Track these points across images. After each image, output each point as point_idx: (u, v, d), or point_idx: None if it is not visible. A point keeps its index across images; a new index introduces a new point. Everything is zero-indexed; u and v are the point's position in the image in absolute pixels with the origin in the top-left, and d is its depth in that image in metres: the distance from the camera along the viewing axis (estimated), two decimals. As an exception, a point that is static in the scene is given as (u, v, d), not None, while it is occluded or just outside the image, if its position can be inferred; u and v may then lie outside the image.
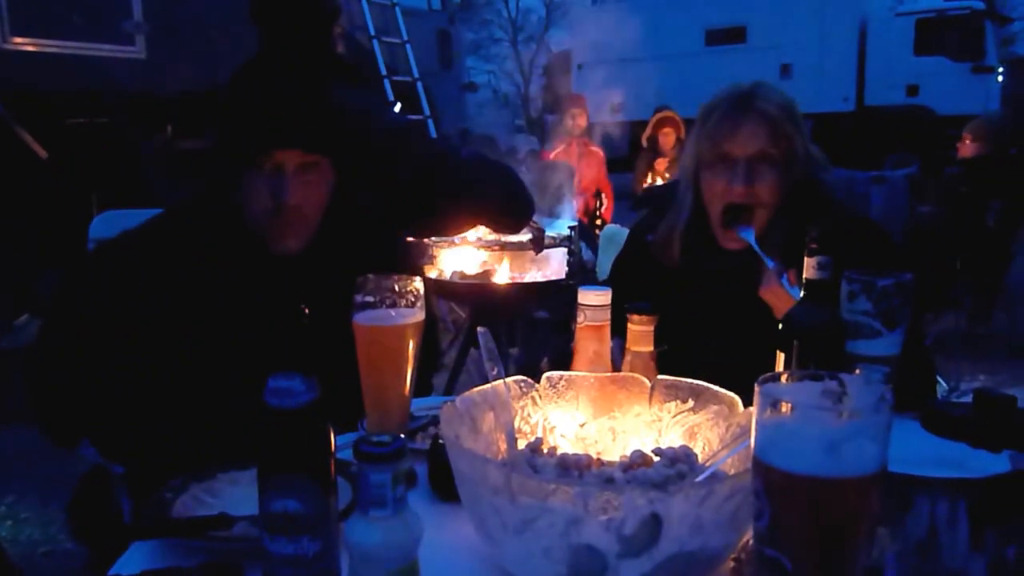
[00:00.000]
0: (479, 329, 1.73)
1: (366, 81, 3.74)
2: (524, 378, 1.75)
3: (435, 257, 5.32)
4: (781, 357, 1.81)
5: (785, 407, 1.06)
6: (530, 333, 5.86)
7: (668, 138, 9.82)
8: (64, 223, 4.74)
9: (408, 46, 11.37)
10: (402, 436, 1.21)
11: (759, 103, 2.42)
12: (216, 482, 1.81)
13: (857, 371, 1.62)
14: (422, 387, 2.55)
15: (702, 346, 2.32)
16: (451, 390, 5.32)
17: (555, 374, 1.78)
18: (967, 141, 7.66)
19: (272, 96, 2.26)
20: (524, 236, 5.14)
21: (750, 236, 2.38)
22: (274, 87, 2.28)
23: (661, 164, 9.74)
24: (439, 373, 5.81)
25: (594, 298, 1.90)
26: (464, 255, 5.32)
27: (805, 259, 1.78)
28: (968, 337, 7.77)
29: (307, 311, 1.27)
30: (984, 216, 7.34)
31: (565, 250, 5.35)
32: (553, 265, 5.39)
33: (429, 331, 2.23)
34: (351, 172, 2.45)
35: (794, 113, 2.47)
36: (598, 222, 8.71)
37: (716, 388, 1.66)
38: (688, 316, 2.47)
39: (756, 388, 1.08)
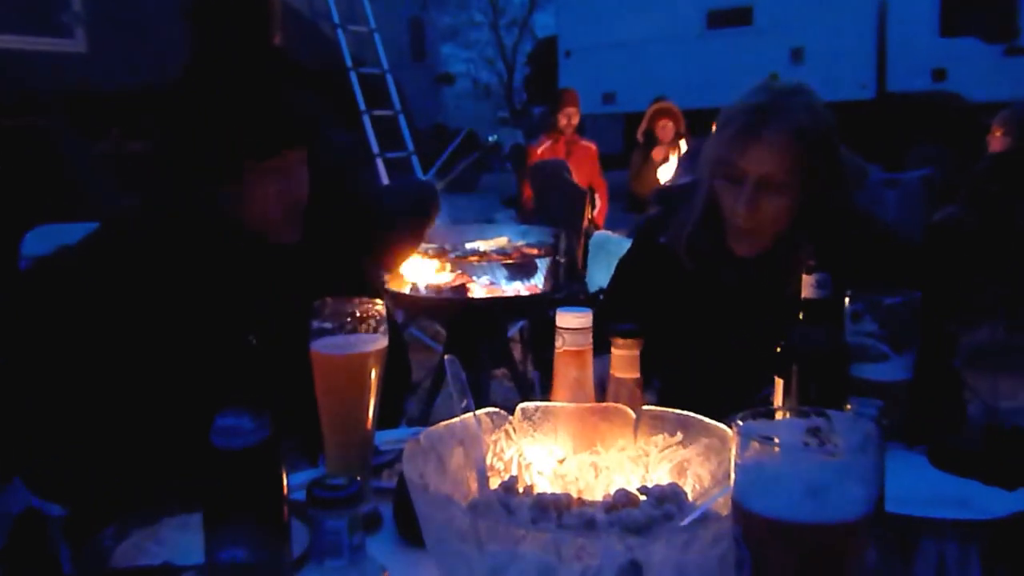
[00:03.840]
0: (446, 357, 1.75)
1: (316, 79, 3.80)
2: (496, 410, 1.77)
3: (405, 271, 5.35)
4: (780, 384, 1.84)
5: (765, 447, 1.09)
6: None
7: (666, 132, 9.82)
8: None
9: (376, 35, 11.40)
10: (359, 478, 1.23)
11: (775, 124, 2.47)
12: (161, 527, 1.81)
13: (848, 407, 1.64)
14: (391, 414, 2.57)
15: (711, 360, 2.38)
16: (427, 416, 5.33)
17: (530, 405, 1.79)
18: (997, 134, 7.65)
19: (273, 98, 2.41)
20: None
21: None
22: (266, 89, 2.42)
23: (659, 158, 9.74)
24: (411, 397, 5.83)
25: (573, 320, 1.90)
26: (437, 267, 5.34)
27: (803, 277, 1.81)
28: (1007, 350, 7.72)
29: (255, 341, 1.29)
30: (1017, 217, 7.33)
31: (549, 260, 5.37)
32: (539, 276, 5.41)
33: (398, 352, 2.26)
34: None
35: (819, 133, 2.51)
36: (587, 225, 8.71)
37: (706, 420, 1.67)
38: (698, 327, 2.59)
39: (733, 426, 1.11)
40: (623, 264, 2.95)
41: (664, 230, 2.79)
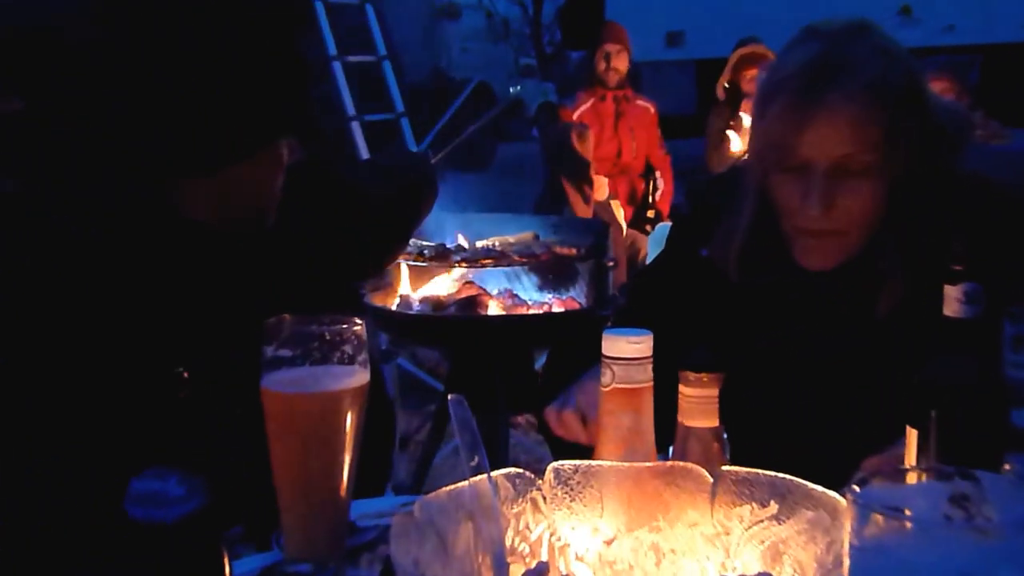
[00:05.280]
0: (449, 398, 1.74)
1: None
2: (519, 471, 1.77)
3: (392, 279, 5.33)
4: (914, 436, 1.83)
5: (892, 522, 1.09)
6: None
7: (755, 86, 9.69)
8: None
9: (355, -48, 11.39)
10: (329, 565, 1.25)
11: (842, 85, 2.40)
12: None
13: (1007, 467, 1.64)
14: (373, 476, 2.58)
15: (785, 415, 2.36)
16: (422, 480, 5.33)
17: (567, 464, 1.79)
18: None
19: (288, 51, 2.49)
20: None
21: None
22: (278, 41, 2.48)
23: (742, 120, 9.64)
24: (401, 454, 5.84)
25: (626, 347, 1.89)
26: (439, 274, 5.33)
27: (945, 289, 1.80)
28: None
29: (187, 374, 1.30)
30: None
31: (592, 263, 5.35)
32: (579, 286, 5.40)
33: (375, 390, 2.27)
34: None
35: (901, 86, 2.45)
36: (650, 214, 8.68)
37: (810, 485, 1.68)
38: (761, 367, 2.56)
39: (848, 494, 1.11)
40: (648, 279, 2.92)
41: (702, 236, 2.75)
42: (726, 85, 9.79)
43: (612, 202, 8.53)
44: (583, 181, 8.21)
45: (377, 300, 5.21)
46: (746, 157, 2.64)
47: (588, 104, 9.20)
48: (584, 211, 8.16)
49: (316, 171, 2.96)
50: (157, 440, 1.53)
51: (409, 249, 5.10)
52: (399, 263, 5.22)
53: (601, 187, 8.45)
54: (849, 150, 2.40)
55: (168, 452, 1.25)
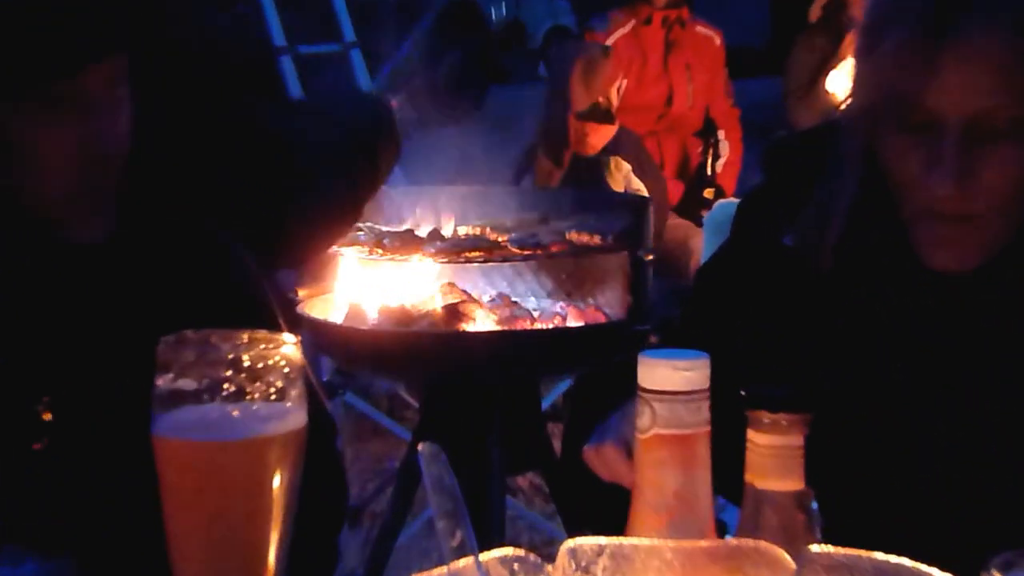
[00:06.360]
0: (420, 450, 1.74)
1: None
2: (520, 553, 1.76)
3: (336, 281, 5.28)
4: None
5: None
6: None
7: (859, 4, 9.62)
8: None
9: None
10: None
11: (979, 16, 2.36)
12: None
13: None
14: (310, 565, 2.58)
15: (895, 473, 2.36)
16: (382, 565, 5.34)
17: (588, 544, 1.79)
18: None
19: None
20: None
21: None
22: None
23: (846, 55, 9.52)
24: (353, 531, 5.85)
25: (672, 375, 1.87)
26: (404, 273, 5.31)
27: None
28: None
29: (50, 413, 1.30)
30: None
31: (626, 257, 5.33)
32: (607, 290, 5.38)
33: (319, 440, 2.28)
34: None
35: None
36: (707, 194, 8.62)
37: (932, 571, 1.67)
38: (863, 407, 2.54)
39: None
40: (710, 276, 2.90)
41: (785, 218, 2.73)
42: (825, 4, 9.58)
43: (614, 159, 8.25)
44: (559, 140, 8.03)
45: (316, 310, 5.15)
46: (847, 108, 2.61)
47: (628, 28, 9.03)
48: (547, 179, 8.02)
49: (223, 118, 2.90)
50: (6, 509, 1.52)
51: (362, 236, 5.04)
52: (346, 255, 5.17)
53: (600, 134, 8.18)
54: (993, 101, 2.36)
55: (22, 525, 1.24)
